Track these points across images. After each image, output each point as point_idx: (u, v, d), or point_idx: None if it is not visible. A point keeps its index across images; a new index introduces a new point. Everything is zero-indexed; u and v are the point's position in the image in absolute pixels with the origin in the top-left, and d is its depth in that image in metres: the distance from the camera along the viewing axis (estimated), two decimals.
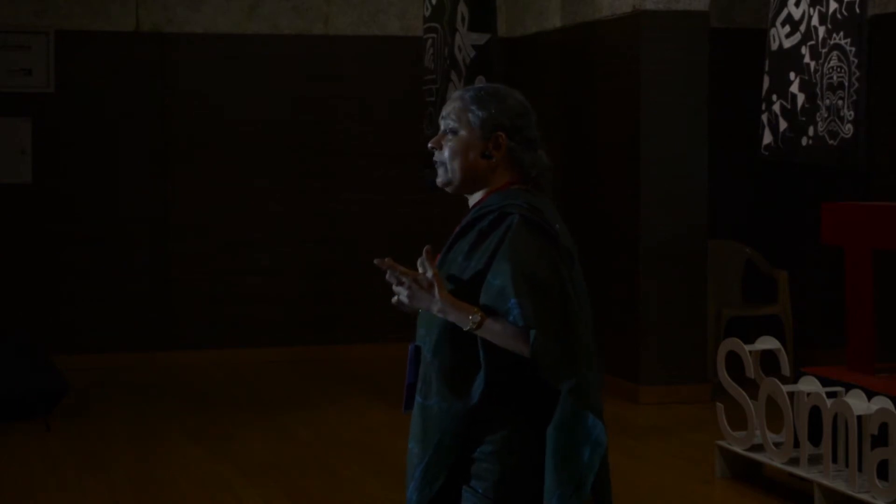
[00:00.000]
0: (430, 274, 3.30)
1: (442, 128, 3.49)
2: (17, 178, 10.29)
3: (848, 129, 6.16)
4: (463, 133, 3.44)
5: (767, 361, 7.06)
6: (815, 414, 6.44)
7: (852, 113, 6.12)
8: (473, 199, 3.47)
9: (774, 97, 6.80)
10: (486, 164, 3.43)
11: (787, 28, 6.66)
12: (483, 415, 3.29)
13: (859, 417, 6.11)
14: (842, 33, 6.20)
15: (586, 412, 3.23)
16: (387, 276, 3.37)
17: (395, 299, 3.40)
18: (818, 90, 6.39)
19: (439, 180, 3.49)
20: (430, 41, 9.19)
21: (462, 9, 8.61)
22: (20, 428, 8.30)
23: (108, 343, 10.44)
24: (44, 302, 10.35)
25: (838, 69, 6.22)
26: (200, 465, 7.46)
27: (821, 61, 6.37)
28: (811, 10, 6.46)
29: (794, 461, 6.57)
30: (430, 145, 3.51)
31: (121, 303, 10.47)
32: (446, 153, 3.46)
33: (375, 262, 3.38)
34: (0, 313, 9.98)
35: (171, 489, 6.97)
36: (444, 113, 3.49)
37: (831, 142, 6.29)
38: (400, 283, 3.34)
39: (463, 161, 3.43)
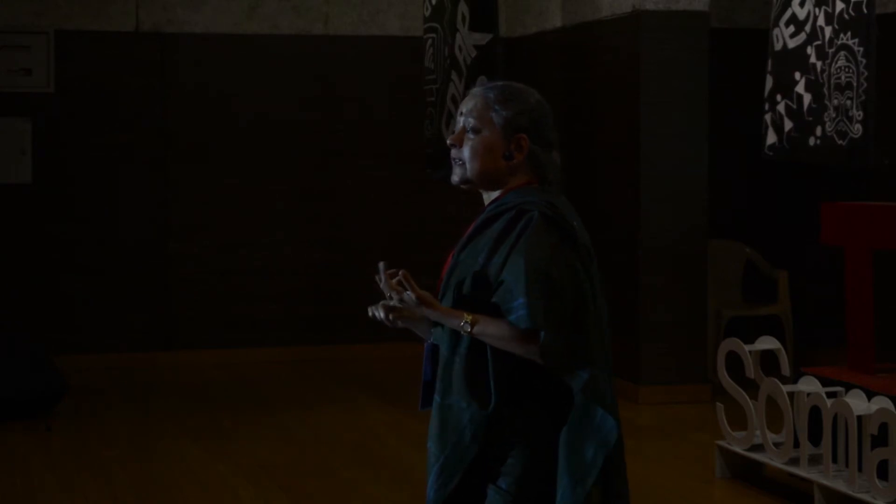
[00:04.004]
0: (412, 295, 3.27)
1: (461, 124, 3.41)
2: (17, 178, 10.29)
3: (857, 128, 6.15)
4: (485, 133, 3.37)
5: (767, 361, 7.06)
6: (815, 414, 6.44)
7: (861, 113, 6.11)
8: (489, 196, 3.42)
9: (779, 97, 6.80)
10: (507, 166, 3.37)
11: (792, 28, 6.66)
12: (504, 412, 3.27)
13: (859, 417, 6.11)
14: (849, 33, 6.19)
15: (596, 407, 3.21)
16: (381, 284, 3.33)
17: (372, 312, 3.36)
18: (825, 90, 6.38)
19: (455, 178, 3.42)
20: (430, 41, 9.18)
21: (462, 9, 8.61)
22: (20, 428, 8.30)
23: (108, 343, 10.43)
24: (44, 302, 10.35)
25: (846, 69, 6.21)
26: (200, 465, 7.46)
27: (828, 61, 6.36)
28: (816, 10, 6.45)
29: (794, 461, 6.57)
30: (449, 142, 3.43)
31: (121, 303, 10.47)
32: (466, 152, 3.39)
33: (383, 278, 3.33)
34: (0, 313, 9.98)
35: (171, 489, 6.97)
36: (464, 109, 3.41)
37: (840, 142, 6.28)
38: (397, 300, 3.31)
39: (484, 161, 3.37)
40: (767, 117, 6.88)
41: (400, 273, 3.31)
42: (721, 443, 7.08)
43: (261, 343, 10.73)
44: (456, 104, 8.76)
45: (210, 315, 10.64)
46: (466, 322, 3.25)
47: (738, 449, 6.94)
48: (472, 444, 3.29)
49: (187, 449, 7.81)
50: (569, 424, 3.23)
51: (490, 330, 3.24)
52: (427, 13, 9.21)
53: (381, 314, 3.35)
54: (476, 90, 3.43)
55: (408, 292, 3.30)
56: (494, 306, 3.24)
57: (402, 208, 10.97)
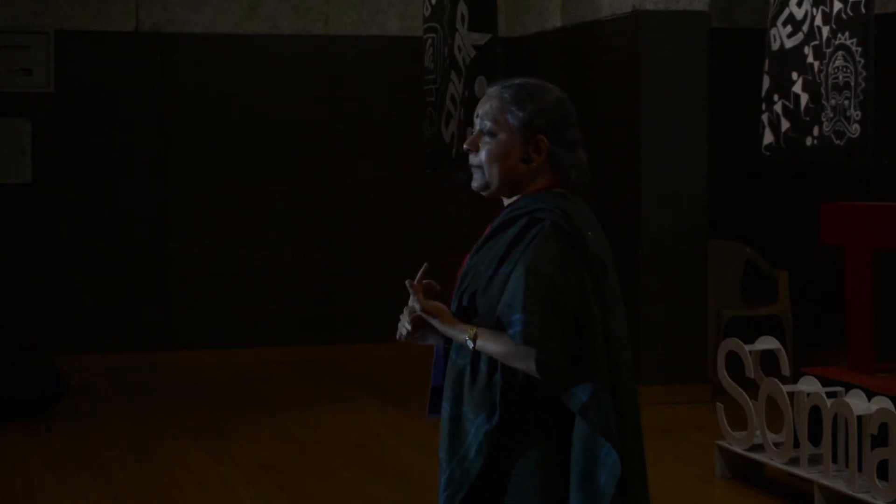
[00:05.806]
0: (417, 306, 3.28)
1: (477, 127, 3.28)
2: (17, 178, 10.29)
3: (855, 128, 6.15)
4: (502, 136, 3.24)
5: (767, 361, 7.06)
6: (815, 414, 6.44)
7: (859, 113, 6.11)
8: (509, 199, 3.31)
9: (776, 97, 6.79)
10: (527, 169, 3.24)
11: (789, 28, 6.66)
12: (514, 426, 3.20)
13: (859, 417, 6.11)
14: (847, 33, 6.19)
15: (601, 441, 3.14)
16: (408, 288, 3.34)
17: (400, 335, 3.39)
18: (823, 90, 6.38)
19: (475, 184, 3.30)
20: (429, 41, 9.18)
21: (462, 9, 8.61)
22: (20, 428, 8.30)
23: (108, 343, 10.43)
24: (44, 302, 10.35)
25: (844, 69, 6.21)
26: (200, 465, 7.46)
27: (825, 61, 6.36)
28: (814, 10, 6.45)
29: (794, 461, 6.57)
30: (465, 147, 3.31)
31: (121, 303, 10.47)
32: (483, 157, 3.26)
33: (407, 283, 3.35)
34: (0, 313, 9.98)
35: (171, 489, 6.97)
36: (479, 112, 3.28)
37: (837, 142, 6.28)
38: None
39: (502, 166, 3.24)
40: (764, 117, 6.88)
41: (407, 283, 3.30)
42: (721, 443, 7.08)
43: (261, 343, 10.73)
44: (455, 104, 8.76)
45: (210, 315, 10.65)
46: (469, 340, 3.19)
47: (738, 449, 6.94)
48: (477, 458, 3.20)
49: (187, 449, 7.81)
50: (576, 449, 3.16)
51: (490, 346, 3.17)
52: (427, 13, 9.21)
53: (406, 328, 3.34)
54: (492, 90, 3.30)
55: (414, 303, 3.28)
56: (498, 320, 3.17)
57: (402, 208, 10.97)
